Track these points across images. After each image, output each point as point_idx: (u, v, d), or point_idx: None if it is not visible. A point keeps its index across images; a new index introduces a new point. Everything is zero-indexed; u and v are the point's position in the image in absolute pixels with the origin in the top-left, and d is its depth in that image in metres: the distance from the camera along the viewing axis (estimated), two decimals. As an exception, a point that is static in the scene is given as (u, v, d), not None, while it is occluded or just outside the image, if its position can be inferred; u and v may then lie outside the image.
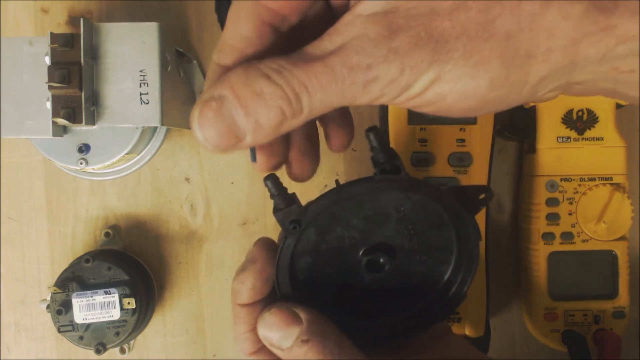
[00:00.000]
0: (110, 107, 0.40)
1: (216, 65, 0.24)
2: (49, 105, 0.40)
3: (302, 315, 0.26)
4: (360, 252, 0.29)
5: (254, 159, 0.28)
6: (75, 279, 0.45)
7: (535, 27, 0.20)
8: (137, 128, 0.43)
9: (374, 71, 0.20)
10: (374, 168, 0.27)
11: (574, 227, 0.46)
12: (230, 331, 0.51)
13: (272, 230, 0.51)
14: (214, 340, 0.51)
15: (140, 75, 0.40)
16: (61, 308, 0.45)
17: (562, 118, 0.45)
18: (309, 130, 0.29)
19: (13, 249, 0.50)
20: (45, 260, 0.50)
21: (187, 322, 0.51)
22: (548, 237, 0.46)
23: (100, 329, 0.45)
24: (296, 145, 0.29)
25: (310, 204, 0.27)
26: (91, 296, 0.45)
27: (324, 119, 0.30)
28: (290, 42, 0.25)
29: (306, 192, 0.32)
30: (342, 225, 0.28)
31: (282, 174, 0.28)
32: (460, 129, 0.44)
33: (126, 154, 0.44)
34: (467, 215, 0.28)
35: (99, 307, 0.45)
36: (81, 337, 0.45)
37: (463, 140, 0.44)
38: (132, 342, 0.50)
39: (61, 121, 0.40)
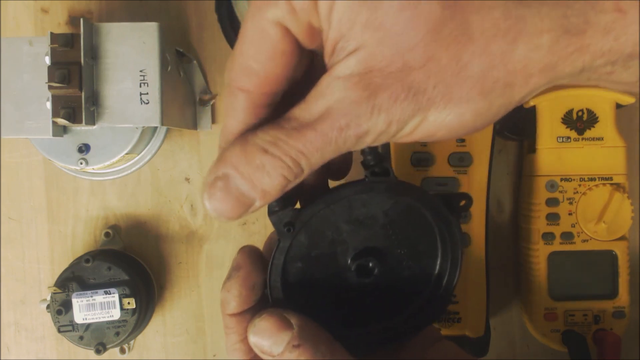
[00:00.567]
0: (110, 107, 0.40)
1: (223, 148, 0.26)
2: (49, 105, 0.40)
3: (293, 320, 0.26)
4: (350, 257, 0.29)
5: None
6: (75, 279, 0.45)
7: (508, 63, 0.21)
8: (137, 128, 0.43)
9: (363, 127, 0.22)
10: (364, 171, 0.27)
11: (574, 227, 0.46)
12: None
13: (272, 230, 0.51)
14: (214, 340, 0.51)
15: (140, 75, 0.40)
16: (61, 308, 0.45)
17: (562, 118, 0.45)
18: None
19: (13, 249, 0.50)
20: (45, 260, 0.50)
21: (187, 322, 0.51)
22: (548, 237, 0.46)
23: (100, 329, 0.45)
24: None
25: (303, 206, 0.27)
26: (91, 296, 0.45)
27: None
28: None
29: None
30: (332, 230, 0.28)
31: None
32: (460, 129, 0.44)
33: (126, 154, 0.44)
34: (453, 219, 0.29)
35: (99, 307, 0.45)
36: (81, 337, 0.45)
37: (463, 140, 0.44)
38: (132, 342, 0.50)
39: (61, 121, 0.40)
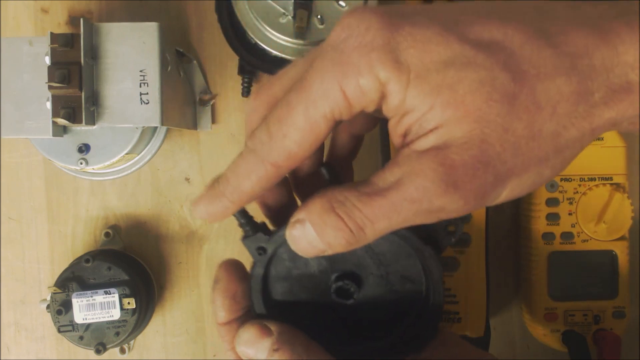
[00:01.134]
0: (110, 107, 0.40)
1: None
2: (49, 105, 0.40)
3: (272, 327, 0.28)
4: (331, 279, 0.30)
5: None
6: (75, 279, 0.45)
7: (575, 121, 0.23)
8: (137, 128, 0.43)
9: (435, 203, 0.23)
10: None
11: (574, 227, 0.46)
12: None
13: (272, 230, 0.51)
14: (214, 340, 0.51)
15: (140, 75, 0.40)
16: (61, 308, 0.45)
17: (562, 118, 0.45)
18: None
19: (13, 249, 0.50)
20: (45, 260, 0.50)
21: (187, 322, 0.51)
22: (548, 237, 0.46)
23: (100, 329, 0.45)
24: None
25: (276, 230, 0.28)
26: (91, 296, 0.45)
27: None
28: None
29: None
30: None
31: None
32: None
33: (126, 154, 0.44)
34: (426, 250, 0.28)
35: (99, 307, 0.45)
36: (81, 337, 0.45)
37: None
38: (132, 342, 0.50)
39: (61, 121, 0.40)
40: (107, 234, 0.49)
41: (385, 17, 0.23)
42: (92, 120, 0.40)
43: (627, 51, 0.23)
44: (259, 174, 0.25)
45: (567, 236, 0.46)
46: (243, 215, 0.28)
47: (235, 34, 0.47)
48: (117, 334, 0.45)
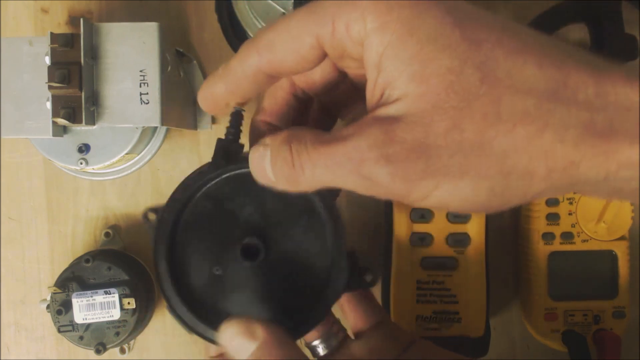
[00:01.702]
0: (110, 107, 0.40)
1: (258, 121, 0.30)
2: (49, 105, 0.40)
3: (257, 329, 0.27)
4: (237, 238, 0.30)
5: None
6: (75, 279, 0.45)
7: (532, 149, 0.22)
8: (137, 128, 0.43)
9: (365, 169, 0.23)
10: None
11: (574, 227, 0.46)
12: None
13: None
14: (214, 340, 0.51)
15: (140, 75, 0.40)
16: (61, 308, 0.45)
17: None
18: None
19: (13, 249, 0.50)
20: (45, 260, 0.50)
21: (187, 322, 0.51)
22: (548, 237, 0.46)
23: (100, 329, 0.45)
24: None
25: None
26: (91, 296, 0.45)
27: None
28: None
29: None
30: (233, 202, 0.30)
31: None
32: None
33: (126, 154, 0.44)
34: (338, 232, 0.30)
35: (99, 307, 0.45)
36: (81, 337, 0.45)
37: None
38: (132, 342, 0.50)
39: (61, 121, 0.40)
40: (107, 234, 0.49)
41: None
42: (92, 120, 0.40)
43: (619, 97, 0.21)
44: (253, 64, 0.26)
45: (567, 236, 0.46)
46: (235, 118, 0.30)
47: (235, 34, 0.47)
48: (117, 334, 0.45)
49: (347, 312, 0.35)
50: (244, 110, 0.30)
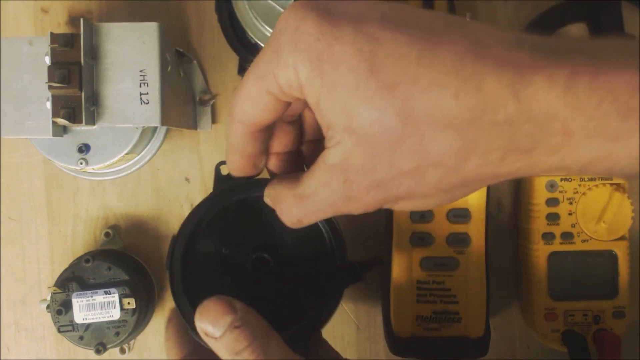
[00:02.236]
0: (110, 107, 0.40)
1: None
2: (49, 105, 0.40)
3: (237, 305, 0.29)
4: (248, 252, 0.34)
5: None
6: (75, 279, 0.45)
7: (460, 173, 0.25)
8: (137, 128, 0.43)
9: (342, 210, 0.28)
10: None
11: (574, 227, 0.46)
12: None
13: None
14: (214, 340, 0.51)
15: (140, 75, 0.40)
16: (61, 308, 0.45)
17: (562, 118, 0.45)
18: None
19: (13, 249, 0.50)
20: (45, 260, 0.50)
21: (187, 322, 0.51)
22: (548, 237, 0.46)
23: (100, 329, 0.45)
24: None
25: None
26: (91, 296, 0.45)
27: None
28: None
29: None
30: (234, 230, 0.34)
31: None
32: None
33: (126, 154, 0.44)
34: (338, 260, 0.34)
35: (99, 307, 0.45)
36: (81, 337, 0.45)
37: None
38: (132, 342, 0.50)
39: (61, 121, 0.40)
40: (107, 234, 0.49)
41: (319, 16, 0.25)
42: (92, 120, 0.40)
43: (541, 106, 0.22)
44: (244, 132, 0.30)
45: (567, 236, 0.46)
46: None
47: (235, 34, 0.47)
48: (117, 334, 0.45)
49: None
50: None
